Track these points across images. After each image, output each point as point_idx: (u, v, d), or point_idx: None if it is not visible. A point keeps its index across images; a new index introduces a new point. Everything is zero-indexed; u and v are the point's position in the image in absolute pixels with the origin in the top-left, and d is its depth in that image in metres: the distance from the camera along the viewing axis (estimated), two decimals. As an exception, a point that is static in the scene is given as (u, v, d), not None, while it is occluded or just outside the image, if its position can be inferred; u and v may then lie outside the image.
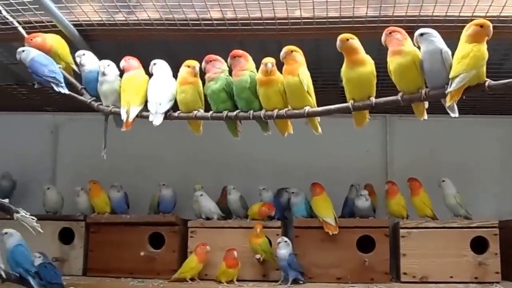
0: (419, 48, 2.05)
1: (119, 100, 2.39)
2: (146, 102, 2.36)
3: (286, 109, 2.23)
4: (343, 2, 2.38)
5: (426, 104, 2.15)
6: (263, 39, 2.68)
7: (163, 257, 3.15)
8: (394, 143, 3.67)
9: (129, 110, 2.31)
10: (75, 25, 2.59)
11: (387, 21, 2.41)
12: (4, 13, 2.41)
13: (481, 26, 1.94)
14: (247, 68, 2.30)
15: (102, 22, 2.57)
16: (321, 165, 3.55)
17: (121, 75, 2.44)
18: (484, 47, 1.95)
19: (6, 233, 2.57)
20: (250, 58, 2.32)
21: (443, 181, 3.20)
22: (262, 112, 2.26)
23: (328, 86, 3.08)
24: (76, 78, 2.52)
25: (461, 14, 2.39)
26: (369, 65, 2.12)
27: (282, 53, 2.21)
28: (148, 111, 2.33)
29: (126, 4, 2.48)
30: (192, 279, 2.97)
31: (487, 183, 3.56)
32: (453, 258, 2.92)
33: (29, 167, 3.76)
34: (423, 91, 2.04)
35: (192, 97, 2.32)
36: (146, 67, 2.46)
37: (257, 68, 2.28)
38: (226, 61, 2.34)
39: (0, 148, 3.81)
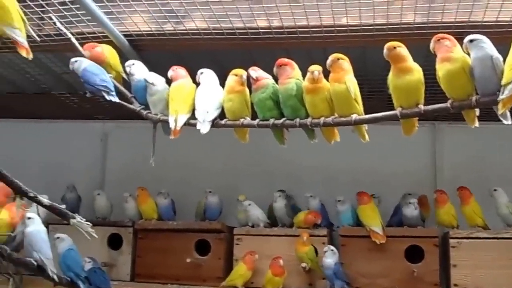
0: (468, 54, 2.01)
1: (167, 109, 2.42)
2: (193, 110, 2.38)
3: (333, 116, 2.22)
4: (391, 9, 2.37)
5: (477, 111, 2.11)
6: (309, 47, 2.68)
7: (209, 264, 3.17)
8: (443, 151, 3.61)
9: (177, 118, 2.34)
10: (125, 36, 2.64)
11: (435, 28, 2.38)
12: (58, 24, 2.48)
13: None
14: (293, 76, 2.30)
15: (151, 32, 2.61)
16: (368, 174, 3.51)
17: (169, 84, 2.47)
18: (537, 52, 1.90)
19: (58, 237, 2.64)
20: (296, 66, 2.32)
21: (495, 190, 3.12)
22: (309, 120, 2.26)
23: (374, 93, 3.06)
24: (126, 87, 2.57)
25: (513, 19, 2.35)
26: (416, 73, 2.09)
27: (328, 61, 2.20)
28: (195, 119, 2.35)
29: (174, 14, 2.52)
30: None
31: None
32: (506, 270, 2.84)
33: (79, 174, 3.84)
34: (474, 98, 2.00)
35: (239, 105, 2.33)
36: (193, 76, 2.49)
37: (303, 76, 2.28)
38: (272, 69, 2.34)
39: (52, 155, 3.91)
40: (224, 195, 3.44)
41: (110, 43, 2.60)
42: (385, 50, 2.08)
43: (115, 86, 2.48)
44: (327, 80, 2.23)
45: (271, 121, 2.31)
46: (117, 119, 3.89)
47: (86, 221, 2.01)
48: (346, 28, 2.48)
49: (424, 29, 2.41)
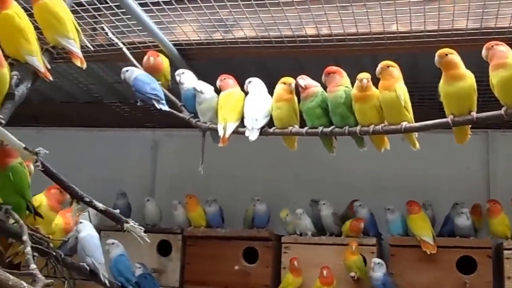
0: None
1: (216, 117, 2.44)
2: (242, 118, 2.40)
3: (383, 124, 2.20)
4: (442, 14, 2.34)
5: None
6: (358, 55, 2.66)
7: (257, 271, 3.17)
8: (496, 160, 3.52)
9: (226, 126, 2.36)
10: (174, 45, 2.68)
11: (488, 33, 2.33)
12: (110, 34, 2.53)
13: None
14: (342, 84, 2.29)
15: (200, 41, 2.64)
16: (418, 182, 3.46)
17: (217, 92, 2.49)
18: None
19: (112, 243, 2.68)
20: (344, 74, 2.31)
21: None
22: (358, 128, 2.24)
23: (425, 101, 3.02)
24: (173, 94, 2.60)
25: None
26: (469, 80, 2.05)
27: (378, 69, 2.18)
28: (244, 127, 2.36)
29: (223, 23, 2.54)
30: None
31: None
32: None
33: (129, 181, 3.89)
34: (529, 106, 1.95)
35: (288, 113, 2.34)
36: (241, 84, 2.51)
37: (352, 84, 2.27)
38: (320, 77, 2.34)
39: (103, 162, 3.97)
40: (272, 203, 3.44)
41: (160, 52, 2.63)
42: (436, 57, 2.06)
43: (165, 95, 2.51)
44: (377, 87, 2.21)
45: (320, 129, 2.30)
46: (167, 127, 3.94)
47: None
48: (396, 35, 2.46)
49: (476, 35, 2.37)
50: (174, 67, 2.67)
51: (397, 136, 2.24)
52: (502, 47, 1.99)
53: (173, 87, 2.65)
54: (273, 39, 2.58)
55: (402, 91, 2.15)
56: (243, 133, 2.34)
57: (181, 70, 2.58)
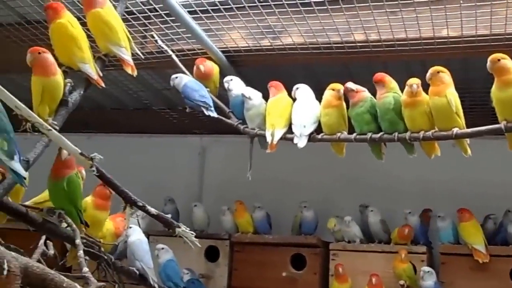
0: None
1: (264, 123, 2.45)
2: (290, 125, 2.40)
3: (433, 130, 2.17)
4: (494, 19, 2.30)
5: None
6: (408, 60, 2.65)
7: (305, 278, 3.17)
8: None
9: (274, 132, 2.36)
10: (223, 52, 2.71)
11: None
12: (159, 42, 2.57)
13: None
14: (391, 90, 2.27)
15: (248, 48, 2.66)
16: (470, 189, 3.38)
17: (266, 99, 2.50)
18: None
19: (162, 248, 2.71)
20: (393, 80, 2.29)
21: None
22: (407, 134, 2.22)
23: (476, 106, 2.97)
24: (221, 100, 2.62)
25: None
26: (522, 85, 2.02)
27: (428, 75, 2.16)
28: (292, 133, 2.36)
29: (271, 30, 2.55)
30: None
31: None
32: None
33: (177, 187, 3.92)
34: None
35: (336, 120, 2.33)
36: (289, 90, 2.51)
37: (401, 90, 2.25)
38: (369, 83, 2.33)
39: (151, 168, 4.02)
40: (320, 209, 3.42)
41: (208, 59, 2.66)
42: (488, 63, 2.02)
43: (214, 101, 2.53)
44: (427, 93, 2.19)
45: (369, 135, 2.29)
46: (215, 134, 3.97)
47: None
48: (447, 40, 2.43)
49: (530, 40, 2.33)
50: (222, 73, 2.69)
51: (448, 142, 2.21)
52: None
53: (222, 93, 2.67)
54: (321, 45, 2.57)
55: (453, 96, 2.12)
56: (291, 139, 2.35)
57: (230, 77, 2.61)
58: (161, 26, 2.58)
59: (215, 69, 2.64)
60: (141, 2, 2.44)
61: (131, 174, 3.93)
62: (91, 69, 1.94)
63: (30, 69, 1.86)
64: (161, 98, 3.54)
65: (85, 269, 1.55)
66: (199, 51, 2.69)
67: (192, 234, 1.92)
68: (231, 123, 2.54)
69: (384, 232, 3.21)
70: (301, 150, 2.32)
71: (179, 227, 1.91)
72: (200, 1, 2.40)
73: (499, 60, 2.01)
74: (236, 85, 2.58)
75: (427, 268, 2.88)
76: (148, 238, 2.72)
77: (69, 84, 1.91)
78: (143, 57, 2.29)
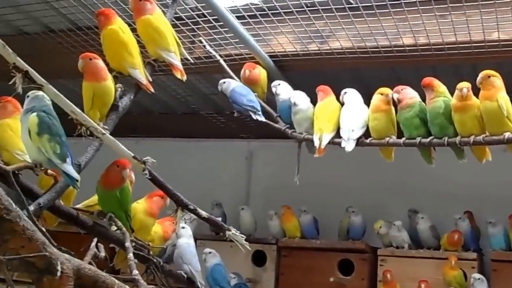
0: None
1: (311, 127, 2.45)
2: (338, 129, 2.39)
3: (484, 135, 2.14)
4: (547, 21, 2.25)
5: None
6: (457, 64, 2.61)
7: (353, 284, 3.14)
8: None
9: (322, 136, 2.36)
10: (270, 56, 2.71)
11: None
12: (208, 47, 2.59)
13: None
14: (440, 94, 2.24)
15: (296, 52, 2.66)
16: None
17: (313, 103, 2.49)
18: None
19: (210, 252, 2.73)
20: (442, 84, 2.26)
21: None
22: (458, 139, 2.19)
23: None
24: (268, 104, 2.63)
25: None
26: None
27: (478, 78, 2.12)
28: (340, 137, 2.35)
29: (319, 34, 2.55)
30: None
31: None
32: None
33: (224, 191, 3.94)
34: None
35: (385, 124, 2.31)
36: (337, 94, 2.50)
37: (451, 94, 2.21)
38: (417, 87, 2.30)
39: (199, 172, 4.05)
40: (368, 214, 3.39)
41: (256, 64, 2.67)
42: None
43: (261, 106, 2.54)
44: (477, 97, 2.15)
45: (418, 139, 2.26)
46: (262, 138, 3.97)
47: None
48: (498, 43, 2.39)
49: None
50: (269, 78, 2.70)
51: (499, 146, 2.17)
52: None
53: (269, 98, 2.68)
54: (369, 49, 2.56)
55: (504, 101, 2.09)
56: (339, 144, 2.34)
57: (277, 82, 2.61)
58: (209, 31, 2.61)
59: (262, 74, 2.65)
60: (190, 8, 2.47)
61: (179, 178, 3.93)
62: (141, 75, 1.97)
63: (81, 75, 1.90)
64: (208, 102, 3.57)
65: (135, 271, 1.57)
66: (246, 56, 2.70)
67: (242, 237, 1.93)
68: (279, 127, 2.54)
69: (434, 238, 3.16)
70: (349, 155, 2.31)
71: (230, 230, 1.93)
72: (248, 6, 2.42)
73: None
74: (283, 90, 2.58)
75: (477, 275, 2.82)
76: (195, 242, 2.74)
77: (119, 89, 1.94)
78: (192, 62, 2.31)
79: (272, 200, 3.69)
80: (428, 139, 2.25)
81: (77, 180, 1.63)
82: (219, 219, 1.98)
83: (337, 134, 2.39)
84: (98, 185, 1.91)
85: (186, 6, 2.46)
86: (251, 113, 2.48)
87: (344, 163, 3.32)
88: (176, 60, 2.05)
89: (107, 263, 1.97)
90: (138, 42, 2.04)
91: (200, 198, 3.56)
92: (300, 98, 2.50)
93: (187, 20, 2.55)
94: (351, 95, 2.46)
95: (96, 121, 1.83)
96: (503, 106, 2.07)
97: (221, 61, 2.63)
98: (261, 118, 2.49)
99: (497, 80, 2.13)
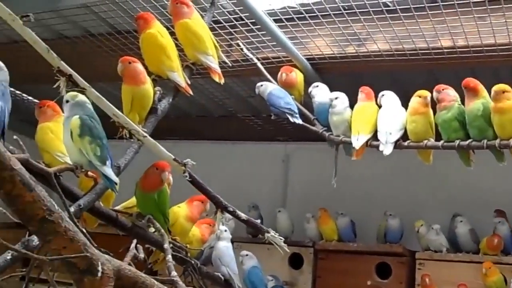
0: None
1: (349, 130, 2.44)
2: (375, 132, 2.38)
3: (524, 137, 2.11)
4: None
5: None
6: (496, 66, 2.57)
7: (390, 288, 3.12)
8: None
9: (359, 139, 2.35)
10: (308, 59, 2.71)
11: None
12: (245, 50, 2.61)
13: None
14: (480, 96, 2.21)
15: (333, 55, 2.66)
16: None
17: (351, 106, 2.49)
18: None
19: (247, 255, 2.74)
20: (482, 86, 2.23)
21: None
22: (497, 141, 2.16)
23: None
24: (305, 107, 2.63)
25: None
26: None
27: (519, 80, 2.09)
28: (377, 140, 2.34)
29: (357, 37, 2.54)
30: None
31: None
32: None
33: (261, 194, 3.95)
34: None
35: (423, 127, 2.29)
36: (374, 97, 2.49)
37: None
38: (455, 89, 2.28)
39: (236, 174, 4.07)
40: (406, 218, 3.36)
41: (293, 67, 2.67)
42: None
43: (299, 109, 2.54)
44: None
45: (457, 142, 2.24)
46: (299, 141, 3.97)
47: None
48: (539, 44, 2.35)
49: None
50: (307, 81, 2.70)
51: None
52: None
53: (306, 100, 2.68)
54: (407, 52, 2.54)
55: (545, 103, 2.05)
56: (377, 146, 2.33)
57: (315, 84, 2.62)
58: (247, 34, 2.62)
59: (299, 77, 2.65)
60: (227, 11, 2.49)
61: (215, 180, 3.96)
62: (180, 78, 1.99)
63: (120, 78, 1.92)
64: (245, 105, 3.58)
65: (174, 273, 1.58)
66: (284, 58, 2.71)
67: (281, 239, 1.94)
68: (316, 130, 2.55)
69: (473, 242, 3.12)
70: (387, 158, 2.30)
71: (268, 232, 1.93)
72: (285, 10, 2.42)
73: None
74: (321, 92, 2.58)
75: (516, 280, 2.78)
76: (232, 244, 2.75)
77: (158, 92, 1.96)
78: (229, 65, 2.33)
79: (309, 202, 3.68)
80: (467, 142, 2.23)
81: (115, 183, 1.65)
82: (258, 221, 1.98)
83: (375, 137, 2.38)
84: (137, 187, 1.94)
85: (223, 10, 2.48)
86: (288, 115, 2.48)
87: (382, 166, 3.31)
88: (214, 63, 2.07)
89: (145, 265, 2.00)
90: (177, 45, 2.06)
91: (237, 200, 3.58)
92: (338, 100, 2.50)
93: (224, 24, 2.56)
94: (389, 98, 2.45)
95: (136, 124, 1.85)
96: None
97: (259, 64, 2.64)
98: (298, 121, 2.50)
99: (538, 82, 2.10)
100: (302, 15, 2.44)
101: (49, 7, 2.54)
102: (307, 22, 2.48)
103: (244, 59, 2.71)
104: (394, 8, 2.29)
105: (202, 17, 2.15)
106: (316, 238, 3.44)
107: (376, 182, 3.70)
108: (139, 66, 1.91)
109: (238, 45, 2.65)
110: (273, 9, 2.44)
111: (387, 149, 2.29)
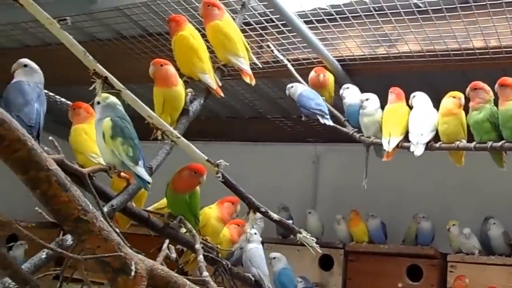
0: None
1: (380, 131, 2.43)
2: (407, 133, 2.36)
3: (559, 139, 2.08)
4: None
5: None
6: (529, 66, 2.54)
7: (422, 290, 3.09)
8: None
9: (390, 140, 2.34)
10: (338, 60, 2.71)
11: None
12: (275, 52, 2.61)
13: None
14: (515, 97, 2.19)
15: (364, 56, 2.65)
16: None
17: (382, 107, 2.47)
18: None
19: (274, 257, 2.74)
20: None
21: None
22: (531, 143, 2.13)
23: None
24: (336, 108, 2.62)
25: None
26: None
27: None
28: (409, 142, 2.33)
29: (387, 38, 2.53)
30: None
31: None
32: None
33: (291, 195, 3.94)
34: None
35: (455, 128, 2.27)
36: (405, 98, 2.47)
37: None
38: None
39: (266, 175, 4.06)
40: (437, 220, 3.33)
41: (323, 68, 2.67)
42: None
43: (329, 110, 2.54)
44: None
45: (489, 143, 2.21)
46: (329, 142, 3.96)
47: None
48: None
49: None
50: (337, 82, 2.70)
51: None
52: None
53: (337, 102, 2.67)
54: (438, 53, 2.52)
55: None
56: (408, 148, 2.31)
57: (346, 85, 2.61)
58: (277, 36, 2.62)
59: (330, 78, 2.65)
60: (258, 13, 2.50)
61: (246, 181, 3.98)
62: (211, 79, 2.00)
63: (152, 80, 1.94)
64: (276, 106, 3.59)
65: (205, 273, 1.59)
66: (314, 60, 2.71)
67: (313, 240, 1.94)
68: (347, 131, 2.54)
69: (506, 244, 3.08)
70: (418, 159, 2.28)
71: (301, 233, 1.94)
72: (316, 11, 2.43)
73: None
74: (351, 94, 2.57)
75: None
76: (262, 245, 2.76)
77: (190, 93, 1.98)
78: (259, 66, 2.34)
79: (339, 204, 3.67)
80: (500, 143, 2.20)
81: (148, 183, 1.66)
82: (290, 221, 1.98)
83: (406, 138, 2.36)
84: (169, 188, 1.95)
85: (254, 12, 2.48)
86: (319, 116, 2.48)
87: (413, 168, 3.28)
88: (245, 65, 2.08)
89: (176, 264, 2.02)
90: (208, 47, 2.07)
91: (267, 201, 3.59)
92: (369, 102, 2.49)
93: (255, 25, 2.57)
94: (420, 99, 2.43)
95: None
96: None
97: (289, 66, 2.65)
98: (329, 122, 2.50)
99: None
100: (333, 17, 2.44)
101: (82, 11, 2.58)
102: (338, 23, 2.47)
103: (275, 61, 2.72)
104: (426, 8, 2.28)
105: (233, 19, 2.16)
106: (346, 240, 3.42)
107: (407, 183, 3.67)
108: (170, 68, 1.93)
109: (269, 47, 2.66)
110: (304, 11, 2.45)
111: (418, 150, 2.28)
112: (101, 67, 1.35)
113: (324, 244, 3.39)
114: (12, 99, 1.58)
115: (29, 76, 1.64)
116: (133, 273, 1.08)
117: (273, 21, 2.53)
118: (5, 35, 2.89)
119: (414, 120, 2.35)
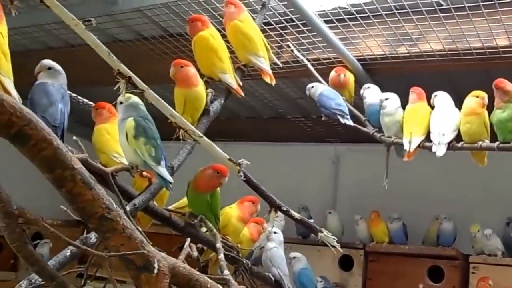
0: None
1: (401, 131, 2.42)
2: (428, 133, 2.35)
3: None
4: None
5: None
6: (553, 65, 2.51)
7: (443, 292, 3.07)
8: None
9: (411, 140, 2.33)
10: (358, 60, 2.70)
11: None
12: (295, 52, 2.61)
13: None
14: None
15: (385, 55, 2.63)
16: None
17: (403, 106, 2.46)
18: None
19: (294, 257, 2.74)
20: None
21: None
22: (559, 143, 2.11)
23: None
24: (356, 108, 2.61)
25: None
26: None
27: None
28: (430, 142, 2.31)
29: (409, 37, 2.52)
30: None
31: None
32: None
33: (311, 195, 3.94)
34: None
35: (478, 128, 2.25)
36: (426, 98, 2.45)
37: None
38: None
39: (286, 176, 4.06)
40: (458, 221, 3.30)
41: (344, 67, 2.66)
42: None
43: (349, 110, 2.53)
44: None
45: (513, 143, 2.19)
46: (349, 142, 3.95)
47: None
48: None
49: None
50: (357, 82, 2.69)
51: None
52: None
53: (357, 102, 2.66)
54: (461, 52, 2.50)
55: None
56: (430, 148, 2.30)
57: (367, 85, 2.60)
58: (297, 35, 2.62)
59: (350, 78, 2.64)
60: (278, 13, 2.50)
61: (265, 181, 3.98)
62: (231, 79, 2.01)
63: (172, 81, 1.95)
64: (295, 107, 3.58)
65: (226, 271, 1.60)
66: (334, 60, 2.70)
67: (334, 239, 1.94)
68: (367, 131, 2.53)
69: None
70: (440, 159, 2.27)
71: (322, 232, 1.94)
72: (336, 10, 2.42)
73: None
74: (372, 93, 2.56)
75: None
76: (282, 245, 2.76)
77: (210, 94, 1.98)
78: (279, 66, 2.33)
79: (359, 204, 3.66)
80: (524, 143, 2.18)
81: (170, 183, 1.67)
82: (311, 220, 1.98)
83: (427, 138, 2.35)
84: (190, 187, 1.96)
85: (274, 11, 2.48)
86: (339, 116, 2.48)
87: (434, 168, 3.25)
88: (265, 65, 2.08)
89: (197, 263, 2.02)
90: (228, 47, 2.08)
91: (287, 201, 3.58)
92: (389, 101, 2.48)
93: (275, 25, 2.57)
94: (442, 98, 2.41)
95: (191, 125, 1.88)
96: None
97: (309, 65, 2.64)
98: (349, 122, 2.49)
99: None
100: (353, 16, 2.43)
101: (103, 12, 2.59)
102: (358, 22, 2.46)
103: (295, 61, 2.72)
104: (448, 7, 2.26)
105: (253, 19, 2.16)
106: (367, 240, 3.41)
107: (428, 183, 3.65)
108: (191, 69, 1.94)
109: (289, 47, 2.66)
110: (324, 10, 2.44)
111: (440, 150, 2.26)
112: (124, 67, 1.36)
113: (344, 245, 3.37)
114: (37, 100, 1.60)
115: (53, 78, 1.66)
116: (156, 271, 1.09)
117: (293, 21, 2.53)
118: (29, 37, 2.91)
119: (436, 119, 2.34)
